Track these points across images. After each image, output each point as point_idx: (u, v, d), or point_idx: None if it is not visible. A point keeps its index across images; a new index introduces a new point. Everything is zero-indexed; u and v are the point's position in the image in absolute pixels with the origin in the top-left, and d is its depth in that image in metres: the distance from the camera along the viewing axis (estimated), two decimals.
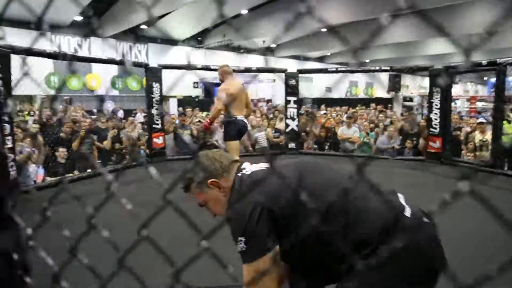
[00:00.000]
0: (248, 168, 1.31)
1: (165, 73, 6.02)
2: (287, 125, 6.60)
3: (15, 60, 3.87)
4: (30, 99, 13.16)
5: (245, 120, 4.26)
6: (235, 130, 4.12)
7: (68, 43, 14.04)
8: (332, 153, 6.63)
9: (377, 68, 6.72)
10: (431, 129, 5.87)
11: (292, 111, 6.56)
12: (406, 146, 6.46)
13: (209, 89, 16.21)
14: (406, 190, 1.32)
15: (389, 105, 11.66)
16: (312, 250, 1.12)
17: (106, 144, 6.03)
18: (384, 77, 12.97)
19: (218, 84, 15.01)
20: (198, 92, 17.73)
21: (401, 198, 1.19)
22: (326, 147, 7.12)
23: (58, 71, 13.77)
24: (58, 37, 13.80)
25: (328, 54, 22.37)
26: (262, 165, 1.33)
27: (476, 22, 12.97)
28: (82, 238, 0.54)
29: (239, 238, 1.11)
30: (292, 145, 6.58)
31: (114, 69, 15.24)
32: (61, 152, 5.37)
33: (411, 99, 12.66)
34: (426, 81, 6.04)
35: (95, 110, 11.82)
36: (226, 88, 4.07)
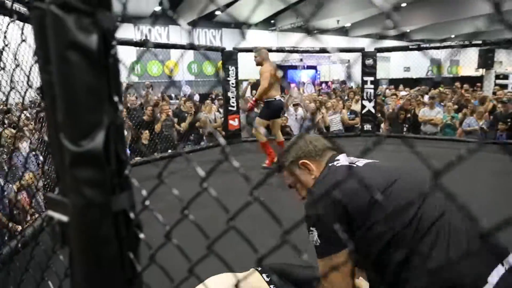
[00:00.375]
0: (342, 160, 1.24)
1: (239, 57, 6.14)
2: (363, 107, 6.36)
3: None
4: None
5: (282, 100, 4.61)
6: (273, 110, 4.44)
7: (149, 32, 14.93)
8: (411, 135, 6.27)
9: (466, 42, 6.14)
10: None
11: (369, 91, 6.29)
12: (498, 128, 5.86)
13: (283, 72, 16.19)
14: (496, 179, 1.18)
15: (478, 84, 10.62)
16: (379, 258, 1.03)
17: (184, 126, 6.34)
18: (473, 53, 11.79)
19: (292, 66, 14.86)
20: None
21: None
22: (405, 129, 6.73)
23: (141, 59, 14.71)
24: (141, 27, 14.73)
25: (408, 30, 20.94)
26: (358, 160, 1.25)
27: None
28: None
29: (311, 229, 1.08)
30: (368, 127, 6.35)
31: (190, 55, 15.88)
32: (145, 134, 5.77)
33: (505, 77, 11.37)
34: None
35: (173, 95, 12.47)
36: (269, 69, 4.32)
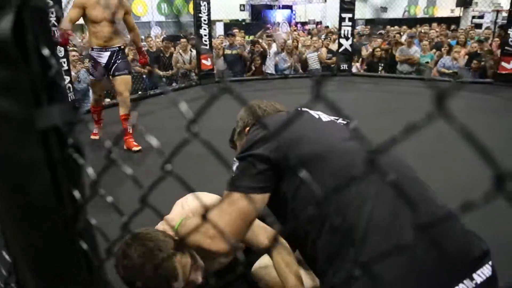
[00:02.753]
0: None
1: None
2: (340, 45, 6.18)
3: None
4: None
5: None
6: None
7: None
8: (386, 75, 6.24)
9: None
10: (506, 47, 5.24)
11: (346, 29, 6.09)
12: (471, 68, 5.86)
13: (257, 12, 15.52)
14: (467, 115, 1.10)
15: (453, 26, 10.50)
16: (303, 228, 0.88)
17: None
18: None
19: (267, 6, 14.23)
20: (245, 16, 17.02)
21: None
22: (380, 69, 6.65)
23: None
24: None
25: None
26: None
27: None
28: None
29: (235, 159, 0.93)
30: (344, 66, 6.22)
31: None
32: None
33: (480, 16, 11.28)
34: None
35: (142, 37, 11.81)
36: None
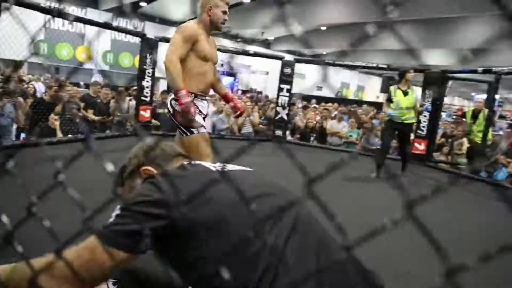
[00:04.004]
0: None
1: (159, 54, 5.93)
2: (277, 113, 6.58)
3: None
4: (15, 64, 12.82)
5: None
6: None
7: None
8: (317, 145, 6.67)
9: (374, 65, 6.76)
10: (418, 131, 5.93)
11: (284, 99, 6.53)
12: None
13: None
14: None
15: (379, 110, 11.80)
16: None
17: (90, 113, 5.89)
18: (376, 81, 13.06)
19: None
20: None
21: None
22: (312, 139, 7.14)
23: (47, 38, 13.45)
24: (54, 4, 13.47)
25: (324, 53, 22.42)
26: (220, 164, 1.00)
27: (469, 38, 13.19)
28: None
29: (118, 207, 0.83)
30: (279, 133, 6.57)
31: (107, 44, 14.96)
32: (51, 118, 5.21)
33: None
34: (419, 90, 6.13)
35: (82, 83, 11.60)
36: None
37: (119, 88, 6.15)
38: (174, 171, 0.95)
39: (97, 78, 13.29)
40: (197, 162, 1.01)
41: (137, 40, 6.22)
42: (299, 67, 7.00)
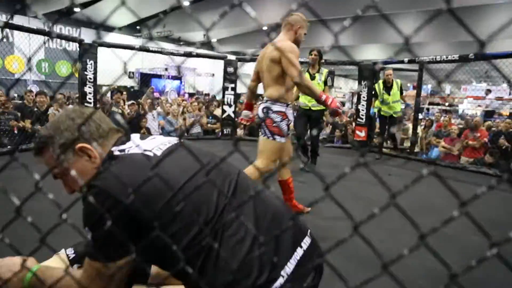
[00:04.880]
0: (133, 143, 0.99)
1: (100, 63, 5.81)
2: (223, 111, 6.69)
3: None
4: None
5: None
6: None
7: None
8: None
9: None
10: (358, 119, 6.33)
11: (229, 97, 6.66)
12: (335, 135, 6.89)
13: (146, 80, 15.77)
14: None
15: None
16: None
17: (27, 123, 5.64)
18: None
19: (155, 76, 14.48)
20: (134, 83, 17.14)
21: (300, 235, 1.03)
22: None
23: None
24: None
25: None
26: (152, 144, 1.01)
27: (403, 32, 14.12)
28: None
29: (87, 229, 0.88)
30: (227, 130, 6.69)
31: (41, 53, 14.22)
32: None
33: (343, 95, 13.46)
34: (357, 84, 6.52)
35: (15, 95, 10.98)
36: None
37: (58, 96, 5.93)
38: (114, 169, 0.92)
39: (32, 88, 12.65)
40: (131, 142, 1.01)
41: (74, 47, 6.04)
42: (245, 68, 7.17)
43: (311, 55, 4.48)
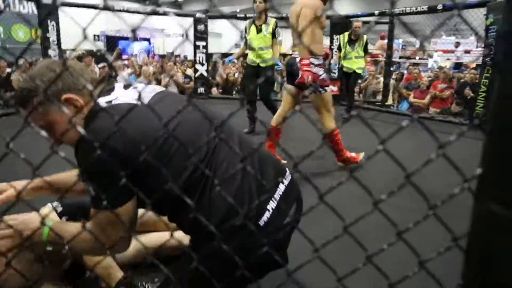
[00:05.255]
0: (119, 94, 0.99)
1: (62, 28, 5.50)
2: (196, 70, 6.58)
3: None
4: None
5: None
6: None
7: None
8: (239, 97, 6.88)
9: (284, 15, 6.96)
10: (331, 74, 6.36)
11: (201, 56, 6.53)
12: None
13: (113, 43, 15.13)
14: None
15: None
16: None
17: None
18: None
19: (123, 38, 13.89)
20: (100, 46, 16.39)
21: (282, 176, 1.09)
22: (234, 92, 7.34)
23: None
24: None
25: (238, 10, 22.22)
26: (137, 94, 0.99)
27: None
28: None
29: (88, 180, 0.90)
30: (201, 89, 6.61)
31: None
32: None
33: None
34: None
35: None
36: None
37: (22, 61, 5.66)
38: (103, 120, 0.91)
39: None
40: (116, 92, 1.00)
41: (31, 9, 5.63)
42: (214, 27, 6.99)
43: (255, 2, 3.98)
